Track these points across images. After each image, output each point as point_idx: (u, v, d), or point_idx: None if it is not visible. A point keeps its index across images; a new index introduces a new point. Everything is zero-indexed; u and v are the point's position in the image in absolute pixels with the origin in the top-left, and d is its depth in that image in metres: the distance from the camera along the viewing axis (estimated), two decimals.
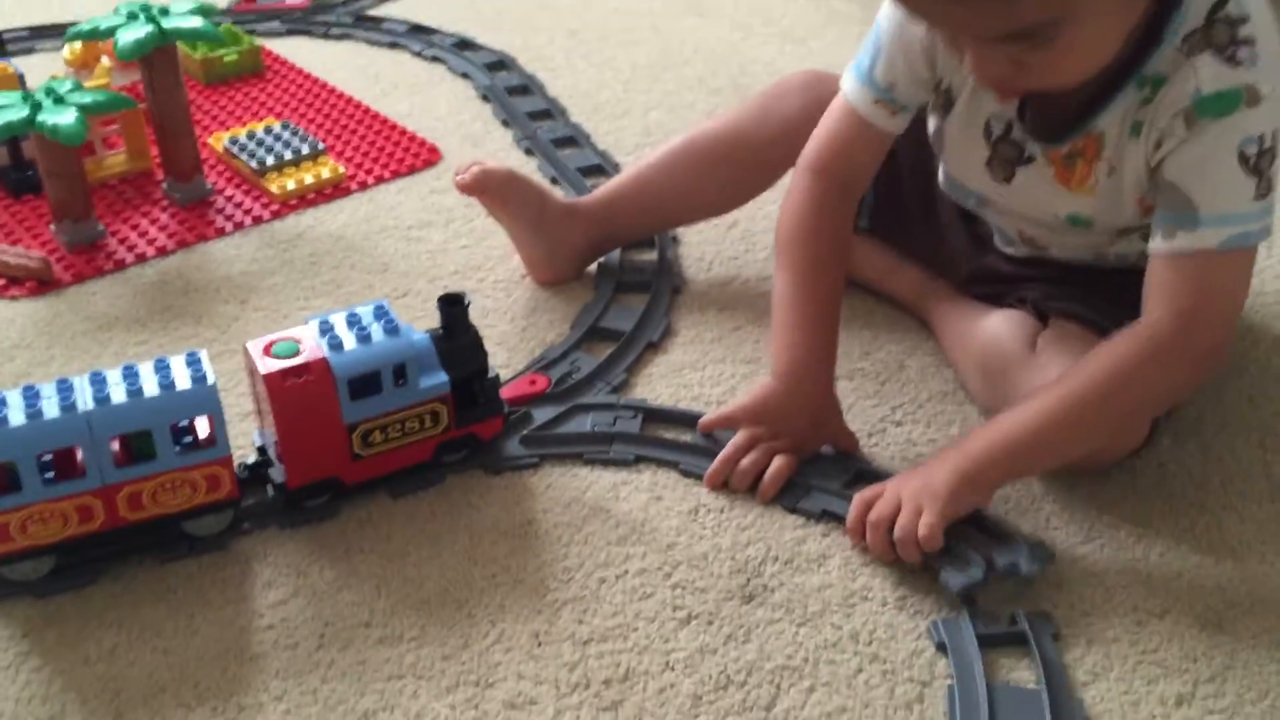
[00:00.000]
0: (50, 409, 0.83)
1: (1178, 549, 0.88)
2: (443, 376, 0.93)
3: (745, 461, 0.93)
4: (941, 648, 0.80)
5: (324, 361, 0.89)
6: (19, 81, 1.36)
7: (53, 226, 1.26)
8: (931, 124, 0.99)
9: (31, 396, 0.84)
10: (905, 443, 0.99)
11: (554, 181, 1.36)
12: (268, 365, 0.88)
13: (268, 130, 1.43)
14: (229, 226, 1.29)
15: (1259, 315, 1.13)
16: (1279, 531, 0.89)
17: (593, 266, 1.21)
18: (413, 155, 1.41)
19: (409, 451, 0.93)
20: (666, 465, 0.96)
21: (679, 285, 1.19)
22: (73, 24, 1.52)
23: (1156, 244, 0.85)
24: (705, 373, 1.07)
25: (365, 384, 0.90)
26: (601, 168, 1.38)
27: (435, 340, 0.94)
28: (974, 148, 0.96)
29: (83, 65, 1.50)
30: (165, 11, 1.27)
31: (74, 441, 0.83)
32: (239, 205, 1.33)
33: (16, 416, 0.82)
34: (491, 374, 0.97)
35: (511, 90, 1.56)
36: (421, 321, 0.99)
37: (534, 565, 0.88)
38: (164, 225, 1.29)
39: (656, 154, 1.18)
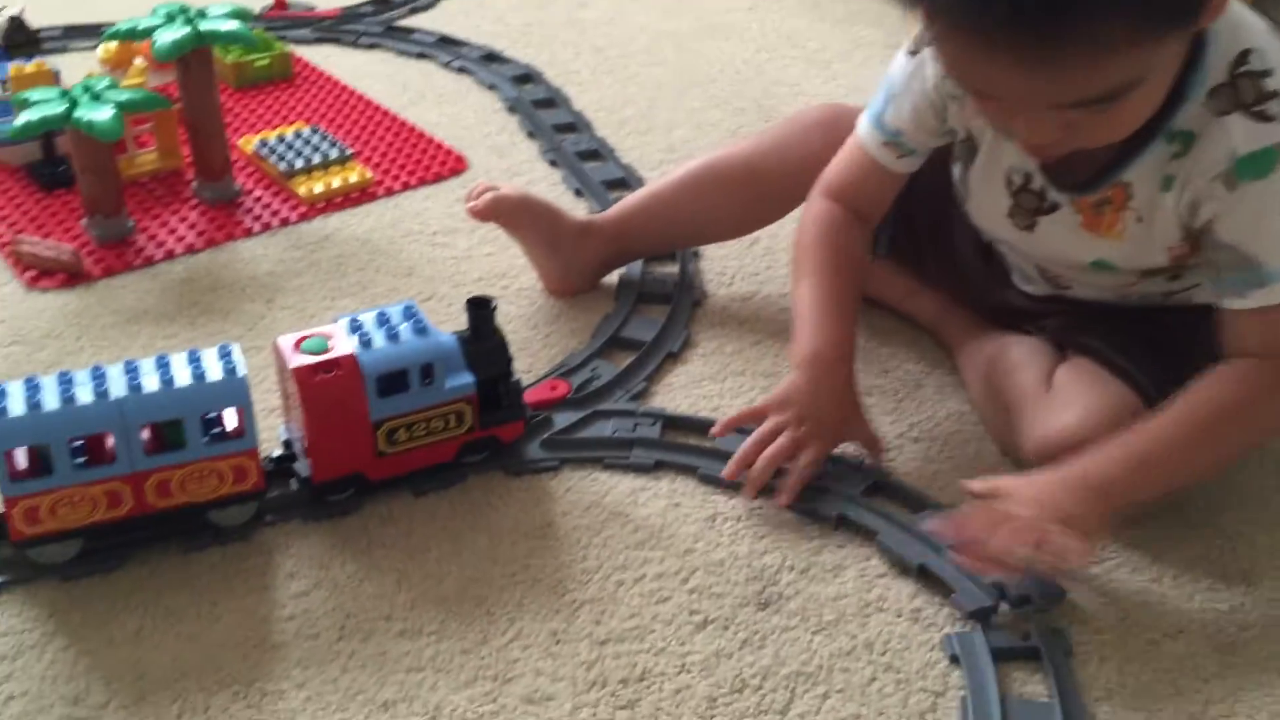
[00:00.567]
0: (84, 395, 0.84)
1: (1191, 572, 0.89)
2: (468, 377, 0.94)
3: (769, 449, 0.94)
4: (955, 660, 0.81)
5: (353, 358, 0.90)
6: (54, 78, 1.38)
7: (84, 221, 1.28)
8: (955, 172, 1.00)
9: (65, 382, 0.85)
10: (922, 459, 1.00)
11: (578, 194, 1.38)
12: (298, 360, 0.90)
13: (297, 134, 1.45)
14: (257, 227, 1.31)
15: None
16: None
17: (614, 277, 1.22)
18: (439, 163, 1.43)
19: (432, 450, 0.95)
20: (685, 472, 0.97)
21: (700, 298, 1.20)
22: (106, 24, 1.55)
23: (1231, 302, 0.86)
24: (725, 385, 1.08)
25: (393, 382, 0.91)
26: (625, 181, 1.39)
27: (462, 342, 0.95)
28: (996, 198, 0.96)
29: (117, 65, 1.52)
30: (203, 14, 1.29)
31: (106, 428, 0.84)
32: (267, 206, 1.35)
33: (51, 401, 0.84)
34: (514, 378, 0.98)
35: (538, 103, 1.58)
36: (445, 326, 1.00)
37: (553, 566, 0.89)
38: (193, 224, 1.31)
39: (675, 175, 1.19)
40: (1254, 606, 0.86)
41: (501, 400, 0.97)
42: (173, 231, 1.30)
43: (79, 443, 0.85)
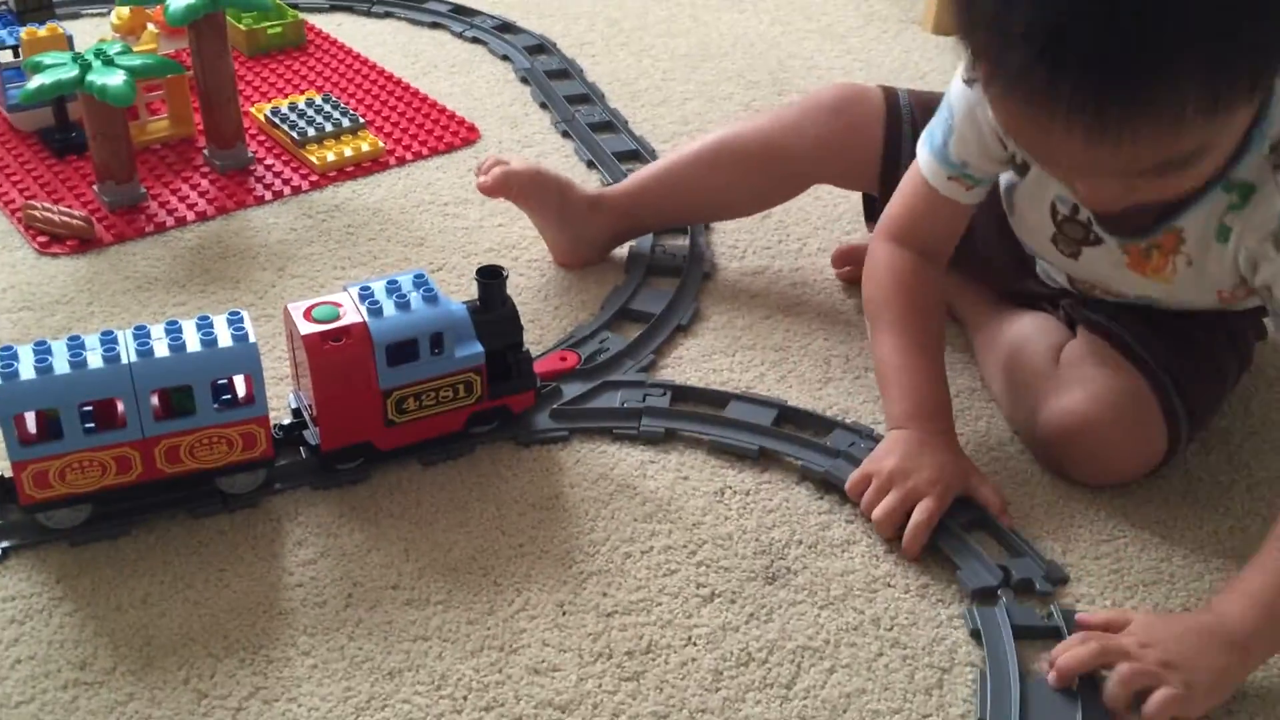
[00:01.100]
0: (94, 360, 0.84)
1: (1201, 552, 0.89)
2: (478, 347, 0.94)
3: (878, 511, 0.88)
4: (976, 635, 0.81)
5: (363, 326, 0.90)
6: (67, 43, 1.38)
7: (95, 187, 1.28)
8: (1003, 181, 0.97)
9: (76, 347, 0.85)
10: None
11: (590, 165, 1.37)
12: (308, 327, 0.89)
13: (309, 102, 1.44)
14: (268, 195, 1.31)
15: None
16: None
17: (623, 250, 1.21)
18: (451, 133, 1.43)
19: (441, 420, 0.95)
20: (695, 445, 0.97)
21: (710, 271, 1.19)
22: None
23: None
24: (734, 358, 1.08)
25: (402, 351, 0.91)
26: (638, 153, 1.39)
27: (472, 311, 0.95)
28: (1040, 222, 0.94)
29: (130, 31, 1.52)
30: None
31: (116, 393, 0.84)
32: (278, 175, 1.34)
33: (61, 365, 0.84)
34: (524, 349, 0.98)
35: (551, 74, 1.57)
36: (455, 297, 1.00)
37: (560, 537, 0.89)
38: (204, 191, 1.31)
39: (689, 150, 1.17)
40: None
41: (511, 370, 0.96)
42: (184, 199, 1.29)
43: (88, 408, 0.85)
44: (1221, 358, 0.96)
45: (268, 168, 1.35)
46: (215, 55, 1.29)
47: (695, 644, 0.81)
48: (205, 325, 0.88)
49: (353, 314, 0.91)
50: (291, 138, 1.38)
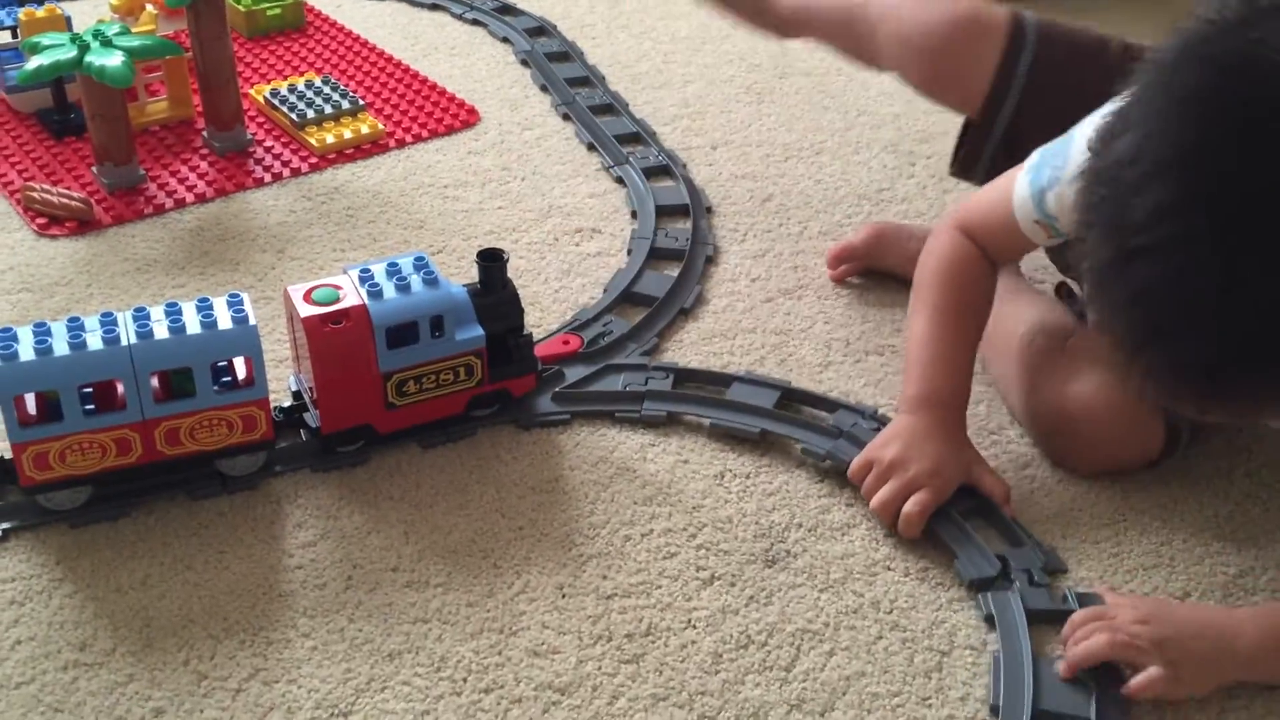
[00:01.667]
0: (94, 341, 0.84)
1: (1200, 536, 0.89)
2: (479, 330, 0.94)
3: (876, 499, 0.88)
4: (989, 620, 0.81)
5: (363, 309, 0.90)
6: (66, 23, 1.37)
7: (94, 169, 1.28)
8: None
9: (75, 328, 0.85)
10: None
11: (590, 148, 1.36)
12: (308, 310, 0.89)
13: (308, 84, 1.44)
14: (267, 177, 1.30)
15: None
16: None
17: (626, 232, 1.21)
18: (451, 116, 1.42)
19: (442, 403, 0.94)
20: (695, 428, 0.97)
21: (712, 255, 1.19)
22: None
23: None
24: (736, 341, 1.08)
25: (402, 333, 0.91)
26: (639, 136, 1.38)
27: (473, 294, 0.95)
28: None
29: (128, 12, 1.51)
30: None
31: (116, 374, 0.84)
32: (278, 156, 1.34)
33: (60, 347, 0.83)
34: (525, 332, 0.97)
35: (551, 56, 1.56)
36: (456, 280, 1.00)
37: (560, 520, 0.89)
38: (203, 173, 1.31)
39: None
40: (1263, 570, 0.86)
41: (512, 353, 0.96)
42: (183, 180, 1.29)
43: (88, 389, 0.85)
44: None
45: (267, 150, 1.35)
46: (214, 36, 1.29)
47: (695, 627, 0.81)
48: (205, 307, 0.87)
49: (353, 296, 0.90)
50: (291, 120, 1.37)
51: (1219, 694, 0.77)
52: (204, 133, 1.35)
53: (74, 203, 1.21)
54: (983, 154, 1.06)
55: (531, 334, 0.99)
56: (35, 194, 1.22)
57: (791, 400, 1.00)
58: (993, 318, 1.03)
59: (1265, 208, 0.60)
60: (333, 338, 0.89)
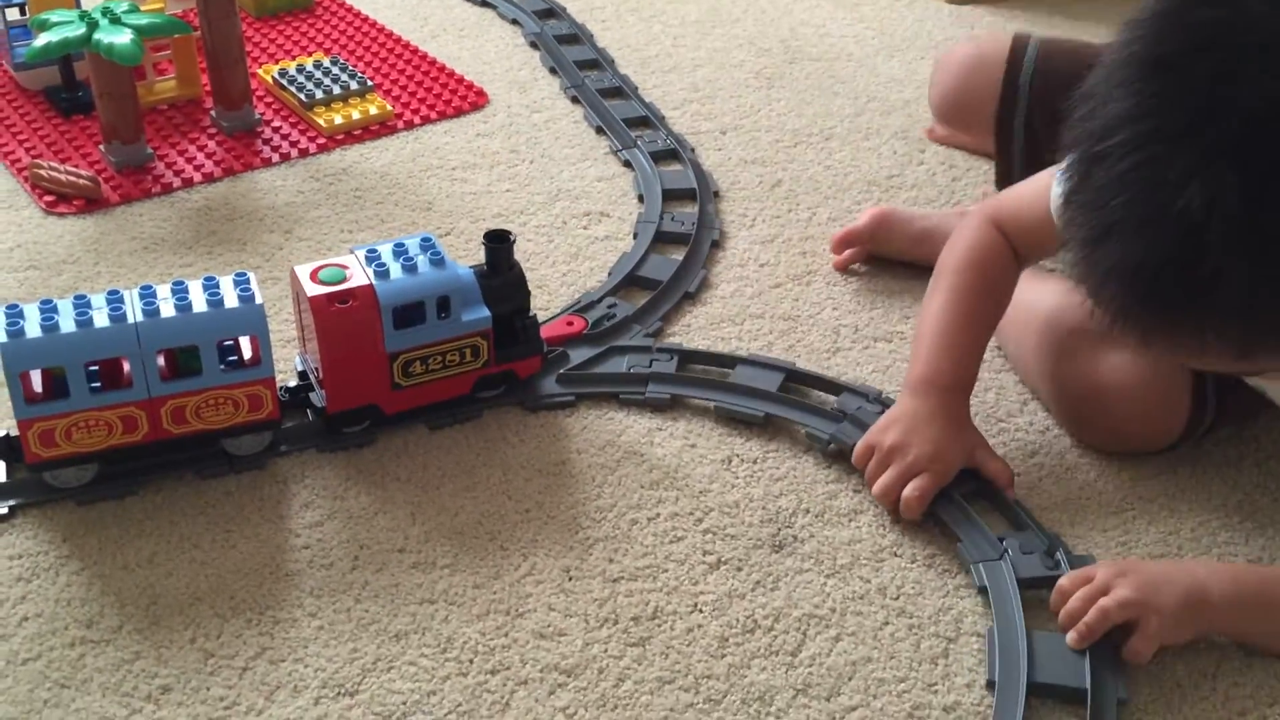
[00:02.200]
0: (100, 319, 0.84)
1: (1208, 524, 0.88)
2: (485, 311, 0.93)
3: (877, 486, 0.88)
4: (983, 591, 0.81)
5: (370, 289, 0.89)
6: (75, 1, 1.36)
7: (102, 147, 1.27)
8: None
9: (82, 306, 0.85)
10: None
11: (599, 131, 1.36)
12: (315, 289, 0.89)
13: (317, 65, 1.43)
14: (275, 157, 1.30)
15: None
16: None
17: (632, 215, 1.21)
18: (460, 98, 1.42)
19: (448, 384, 0.94)
20: (701, 411, 0.97)
21: (718, 239, 1.19)
22: None
23: None
24: (743, 327, 1.07)
25: (409, 314, 0.91)
26: (648, 120, 1.38)
27: (479, 275, 0.94)
28: None
29: None
30: None
31: (122, 352, 0.84)
32: (286, 137, 1.33)
33: (67, 324, 0.83)
34: (531, 313, 0.97)
35: (560, 38, 1.56)
36: (463, 262, 1.00)
37: (567, 503, 0.89)
38: (211, 152, 1.30)
39: None
40: (1270, 559, 0.86)
41: (519, 335, 0.96)
42: (191, 160, 1.29)
43: (95, 367, 0.85)
44: None
45: (275, 130, 1.35)
46: (223, 15, 1.28)
47: (701, 611, 0.81)
48: (211, 286, 0.87)
49: (360, 276, 0.90)
50: (299, 100, 1.37)
51: (1223, 670, 0.77)
52: (212, 112, 1.35)
53: (82, 181, 1.21)
54: (1013, 170, 1.07)
55: (537, 316, 0.98)
56: (43, 172, 1.22)
57: (796, 382, 0.99)
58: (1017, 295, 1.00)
59: (1221, 112, 0.63)
60: (339, 317, 0.89)
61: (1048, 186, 0.90)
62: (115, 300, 0.85)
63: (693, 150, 1.32)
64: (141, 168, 1.26)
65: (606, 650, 0.78)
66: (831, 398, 0.98)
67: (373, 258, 0.92)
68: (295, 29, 1.58)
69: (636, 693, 0.76)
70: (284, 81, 1.40)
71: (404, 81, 1.45)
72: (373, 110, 1.36)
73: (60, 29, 1.18)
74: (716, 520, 0.88)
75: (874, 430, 0.91)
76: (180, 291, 0.86)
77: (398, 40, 1.55)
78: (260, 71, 1.43)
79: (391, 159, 1.31)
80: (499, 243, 0.95)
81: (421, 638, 0.79)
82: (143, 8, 1.33)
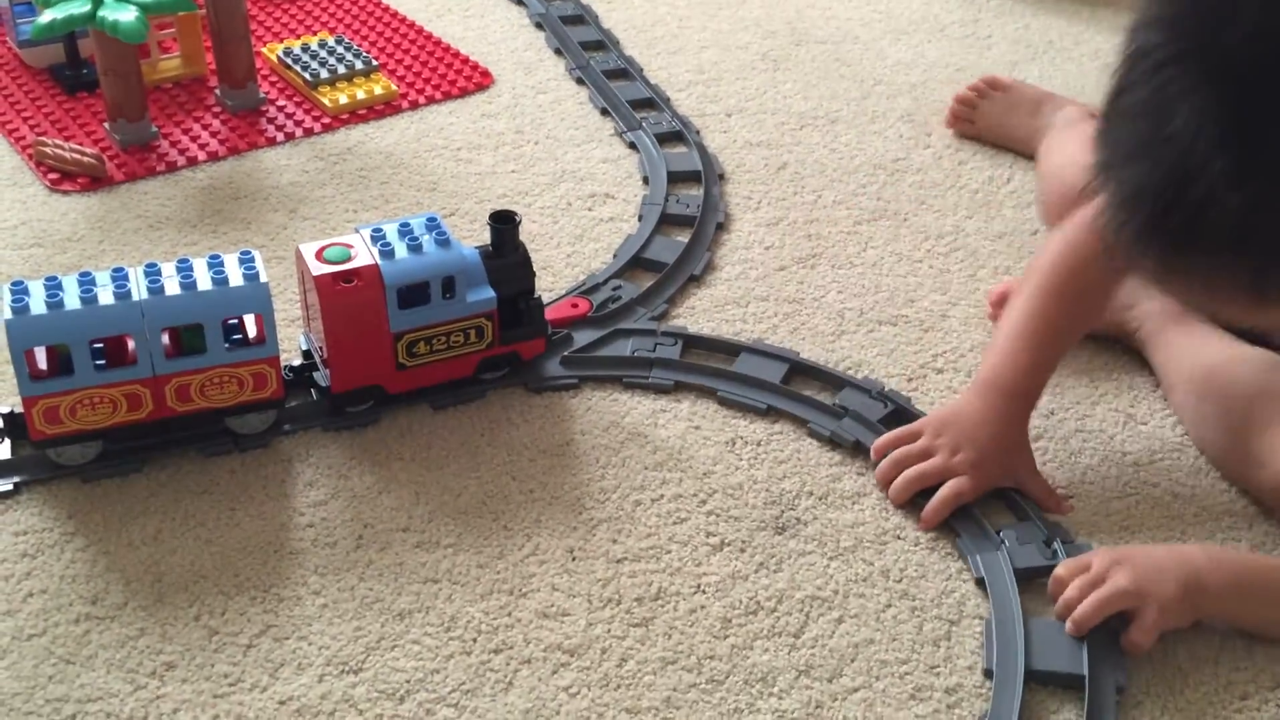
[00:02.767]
0: (105, 296, 0.84)
1: (1212, 509, 0.88)
2: (490, 292, 0.93)
3: (912, 470, 0.87)
4: (980, 583, 0.81)
5: (375, 269, 0.89)
6: None
7: (107, 125, 1.27)
8: None
9: (87, 283, 0.85)
10: (945, 390, 0.99)
11: (604, 113, 1.36)
12: (320, 268, 0.89)
13: (321, 44, 1.43)
14: (280, 136, 1.30)
15: None
16: None
17: (637, 196, 1.21)
18: (465, 78, 1.41)
19: (452, 365, 0.94)
20: (706, 394, 0.97)
21: (724, 222, 1.19)
22: None
23: None
24: (748, 309, 1.07)
25: (414, 294, 0.91)
26: (653, 101, 1.37)
27: (484, 256, 0.94)
28: None
29: None
30: None
31: (127, 330, 0.84)
32: (290, 116, 1.33)
33: (72, 301, 0.83)
34: (536, 295, 0.97)
35: (565, 19, 1.55)
36: (468, 243, 0.99)
37: (571, 484, 0.89)
38: (216, 131, 1.30)
39: None
40: (1275, 545, 0.86)
41: (523, 317, 0.96)
42: (195, 138, 1.28)
43: (99, 344, 0.85)
44: None
45: (279, 109, 1.34)
46: None
47: (704, 592, 0.81)
48: (216, 264, 0.87)
49: (365, 256, 0.90)
50: (304, 79, 1.36)
51: (1225, 656, 0.77)
52: (217, 90, 1.35)
53: (86, 159, 1.21)
54: None
55: (541, 297, 0.98)
56: (48, 149, 1.22)
57: (800, 373, 0.99)
58: (1176, 362, 0.96)
59: (1218, 37, 0.62)
60: (344, 296, 0.89)
61: None
62: (120, 278, 0.85)
63: (698, 132, 1.32)
64: (146, 146, 1.26)
65: (609, 630, 0.78)
66: (834, 390, 0.98)
67: (378, 237, 0.92)
68: (300, 8, 1.57)
69: (639, 673, 0.76)
70: (289, 60, 1.39)
71: (409, 61, 1.45)
72: (378, 90, 1.36)
73: (65, 6, 1.18)
74: (720, 502, 0.88)
75: (929, 422, 0.89)
76: (185, 269, 0.86)
77: (403, 20, 1.55)
78: (265, 50, 1.42)
79: (396, 139, 1.31)
80: (504, 224, 0.94)
81: (425, 616, 0.79)
82: None
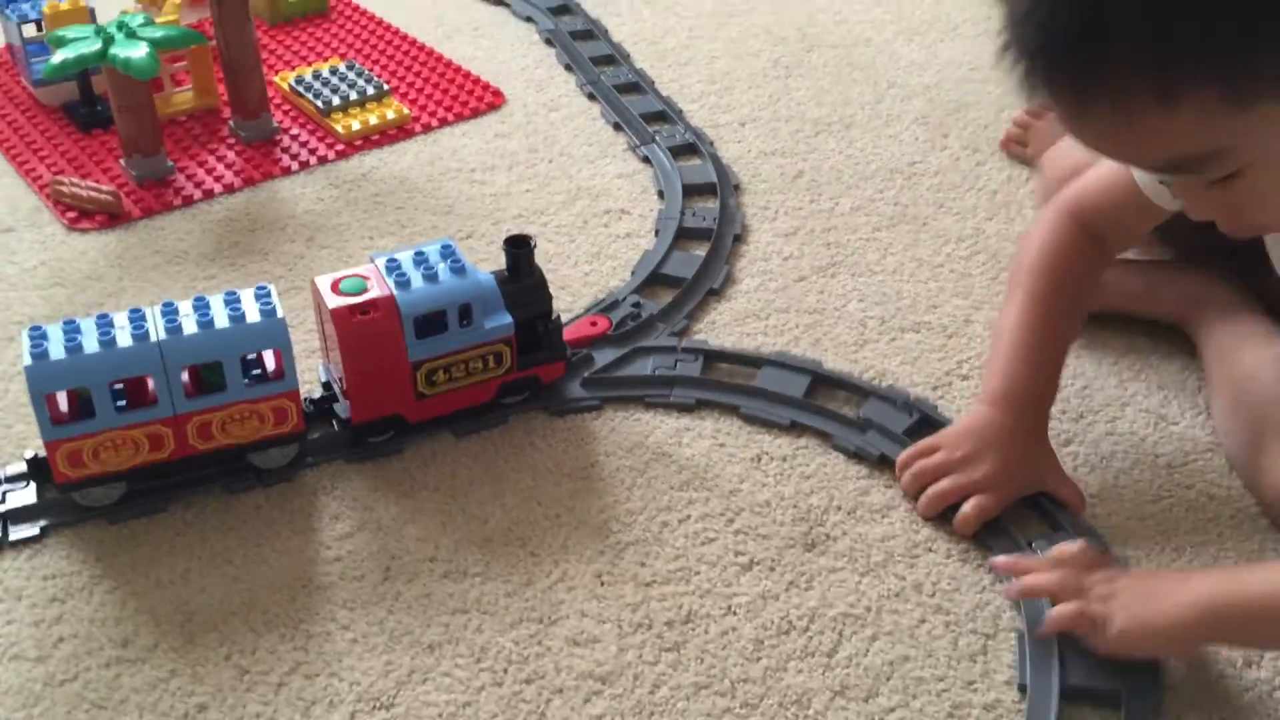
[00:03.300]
0: (123, 338, 0.84)
1: (1249, 511, 0.87)
2: (507, 318, 0.93)
3: (934, 489, 0.86)
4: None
5: (391, 299, 0.89)
6: (90, 15, 1.37)
7: (122, 161, 1.28)
8: None
9: (105, 325, 0.85)
10: (971, 396, 0.97)
11: (617, 128, 1.35)
12: (336, 301, 0.89)
13: (333, 70, 1.43)
14: (295, 165, 1.30)
15: None
16: None
17: (653, 211, 1.20)
18: (476, 99, 1.41)
19: (471, 391, 0.94)
20: (728, 410, 0.96)
21: (741, 234, 1.18)
22: None
23: None
24: (769, 322, 1.06)
25: (431, 323, 0.90)
26: (665, 114, 1.37)
27: (500, 281, 0.94)
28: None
29: (151, 2, 1.51)
30: None
31: (146, 370, 0.84)
32: (304, 144, 1.33)
33: (91, 344, 0.83)
34: (554, 316, 0.96)
35: (575, 35, 1.55)
36: (485, 264, 0.99)
37: (597, 507, 0.88)
38: (230, 163, 1.30)
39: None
40: (1277, 543, 0.84)
41: (542, 340, 0.95)
42: (211, 171, 1.29)
43: (119, 386, 0.85)
44: None
45: (293, 138, 1.34)
46: (237, 24, 1.28)
47: (735, 613, 0.80)
48: (233, 300, 0.87)
49: (380, 287, 0.90)
50: (316, 106, 1.36)
51: (1264, 671, 0.75)
52: (230, 122, 1.35)
53: (103, 196, 1.21)
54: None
55: (560, 319, 0.98)
56: (64, 188, 1.22)
57: (823, 384, 0.98)
58: (1221, 364, 0.94)
59: None
60: (361, 328, 0.88)
61: (1126, 169, 0.86)
62: (138, 318, 0.85)
63: (712, 143, 1.31)
64: (162, 180, 1.26)
65: (641, 656, 0.78)
66: (859, 401, 0.96)
67: (393, 267, 0.91)
68: (310, 35, 1.58)
69: (673, 699, 0.75)
70: (300, 88, 1.39)
71: (420, 84, 1.45)
72: (390, 114, 1.36)
73: (76, 45, 1.18)
74: (748, 520, 0.87)
75: (947, 436, 0.88)
76: (202, 307, 0.86)
77: (412, 42, 1.55)
78: (277, 79, 1.43)
79: (410, 163, 1.31)
80: (519, 248, 0.94)
81: (455, 648, 0.78)
82: (157, 20, 1.33)
